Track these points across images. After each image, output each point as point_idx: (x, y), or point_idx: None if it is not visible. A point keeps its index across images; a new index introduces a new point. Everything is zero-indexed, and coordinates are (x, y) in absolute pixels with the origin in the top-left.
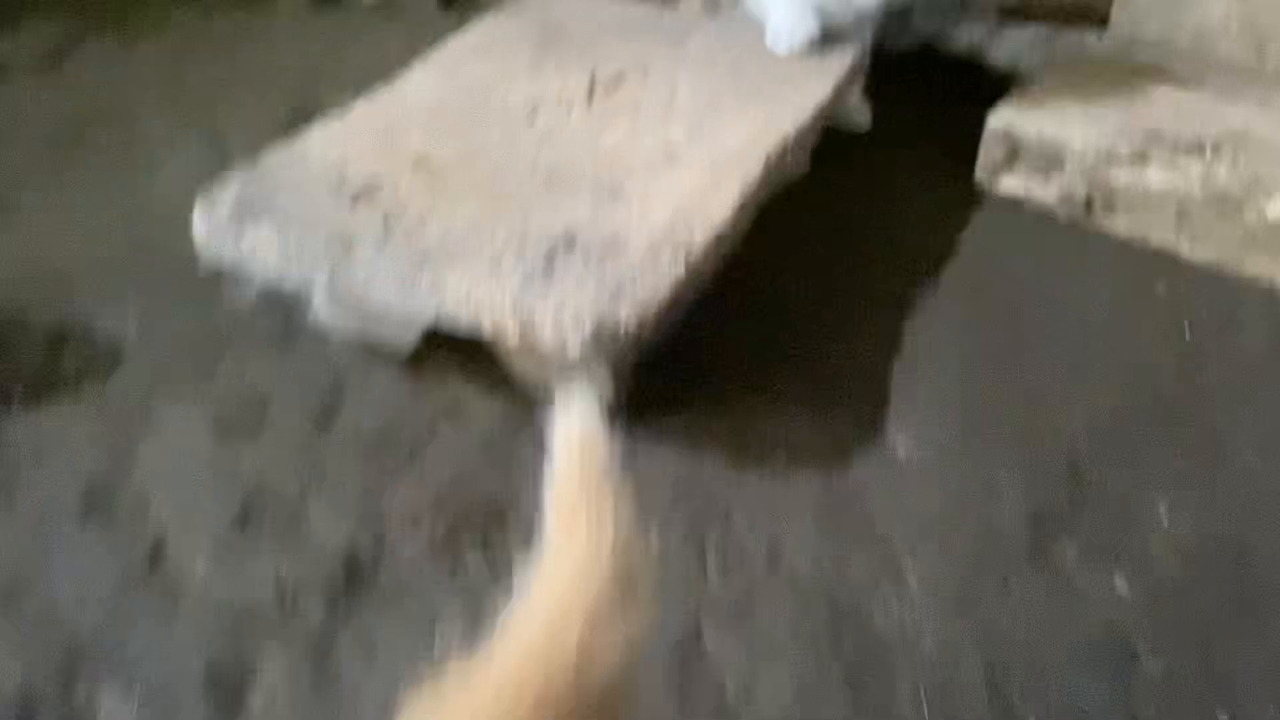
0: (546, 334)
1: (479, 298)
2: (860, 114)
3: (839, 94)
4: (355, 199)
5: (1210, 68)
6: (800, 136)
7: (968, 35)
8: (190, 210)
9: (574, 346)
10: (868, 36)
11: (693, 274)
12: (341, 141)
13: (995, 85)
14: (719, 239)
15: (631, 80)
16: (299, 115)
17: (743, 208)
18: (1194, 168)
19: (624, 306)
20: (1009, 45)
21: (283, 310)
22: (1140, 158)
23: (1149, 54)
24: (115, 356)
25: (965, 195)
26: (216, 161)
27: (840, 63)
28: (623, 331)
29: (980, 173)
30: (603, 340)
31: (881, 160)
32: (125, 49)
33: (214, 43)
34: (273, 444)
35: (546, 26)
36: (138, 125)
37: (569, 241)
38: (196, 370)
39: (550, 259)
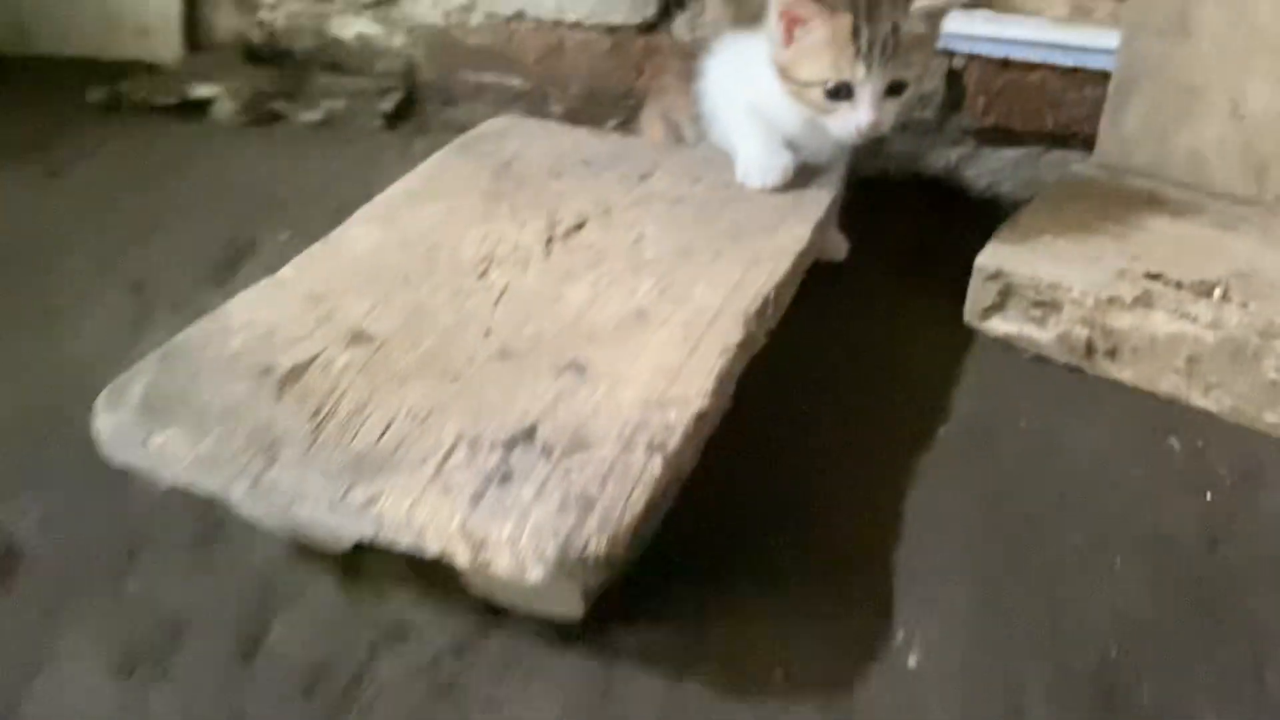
0: (503, 558)
1: (422, 517)
2: (836, 245)
3: (818, 236)
4: (282, 385)
5: (1207, 196)
6: (780, 290)
7: (944, 158)
8: (103, 376)
9: (535, 572)
10: (843, 166)
11: (671, 471)
12: (269, 310)
13: (975, 211)
14: (699, 420)
15: (593, 225)
16: (232, 255)
17: (724, 380)
18: (1202, 312)
19: (592, 521)
20: (987, 168)
21: (202, 505)
22: (1144, 301)
23: (1140, 181)
24: (10, 562)
25: (954, 337)
26: (138, 313)
27: (818, 201)
28: (591, 552)
29: (969, 313)
30: (568, 563)
31: (860, 298)
32: (49, 177)
33: (146, 169)
34: (187, 680)
35: (499, 164)
36: (56, 267)
37: (528, 435)
38: (103, 582)
39: (506, 460)
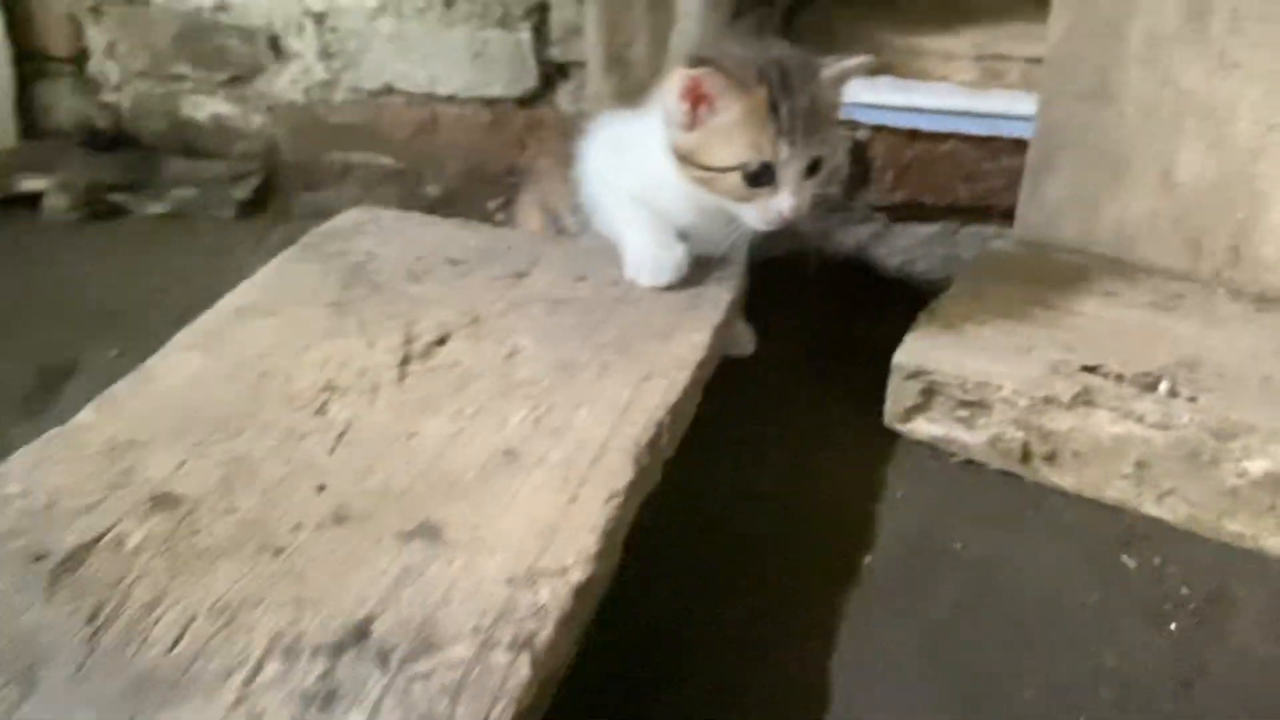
0: None
1: None
2: (742, 339)
3: (720, 339)
4: (55, 577)
5: (1140, 273)
6: (678, 411)
7: (853, 236)
8: None
9: None
10: (744, 255)
11: (544, 670)
12: (56, 470)
13: (889, 293)
14: (580, 594)
15: (458, 339)
16: (48, 379)
17: (611, 535)
18: (1149, 409)
19: None
20: (900, 246)
21: None
22: (1083, 399)
23: (1067, 257)
24: None
25: (875, 442)
26: None
27: (718, 299)
28: None
29: (890, 415)
30: None
31: (770, 400)
32: None
33: None
34: None
35: (349, 267)
36: None
37: (360, 633)
38: None
39: (331, 672)
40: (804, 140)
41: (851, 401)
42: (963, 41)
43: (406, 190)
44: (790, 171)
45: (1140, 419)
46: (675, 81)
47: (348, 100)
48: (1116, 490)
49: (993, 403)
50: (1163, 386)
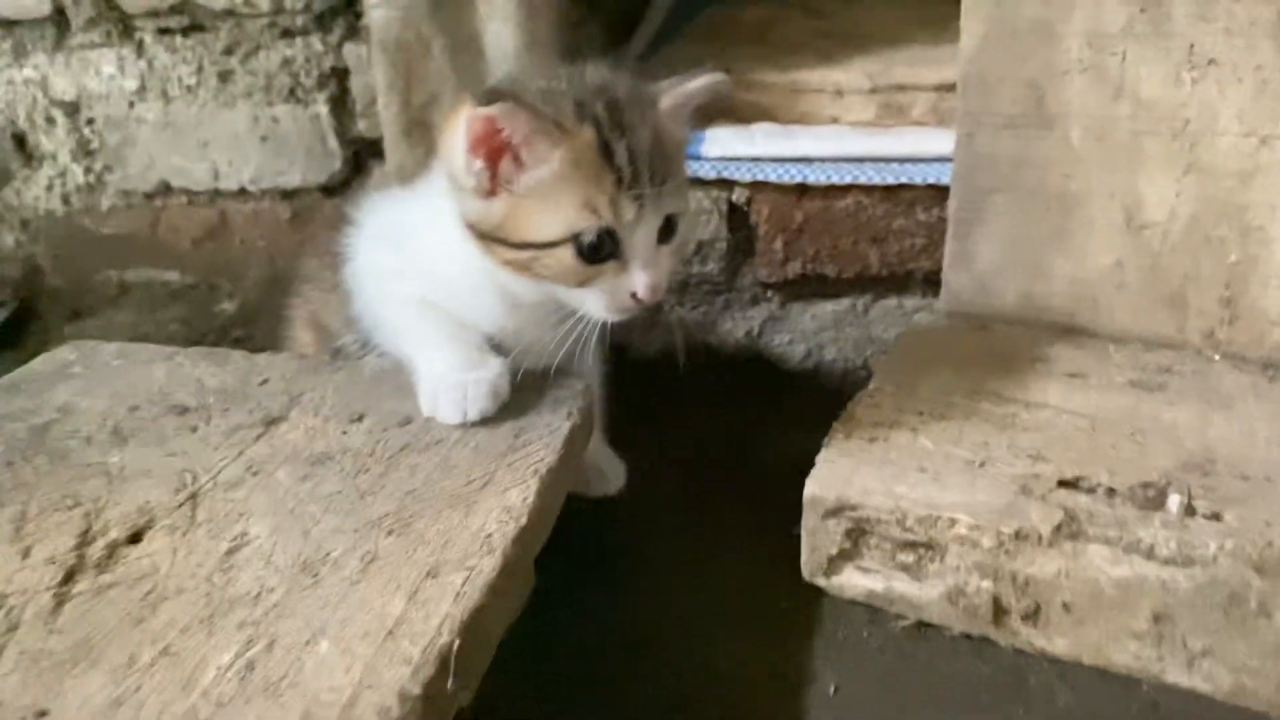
0: None
1: None
2: (604, 473)
3: (555, 492)
4: None
5: (1109, 344)
6: (479, 627)
7: (741, 324)
8: None
9: None
10: (592, 361)
11: None
12: None
13: (793, 392)
14: None
15: (159, 532)
16: None
17: None
18: (1159, 538)
19: None
20: (801, 331)
21: None
22: (1068, 530)
23: (1010, 330)
24: None
25: (791, 607)
26: None
27: (552, 433)
28: None
29: (808, 566)
30: None
31: (645, 556)
32: None
33: None
34: None
35: (31, 430)
36: None
37: None
38: None
39: None
40: (653, 193)
41: (757, 550)
42: (853, 73)
43: (197, 308)
44: (642, 237)
45: (1150, 552)
46: (461, 129)
47: (117, 206)
48: (1129, 655)
49: (945, 543)
50: (1172, 502)
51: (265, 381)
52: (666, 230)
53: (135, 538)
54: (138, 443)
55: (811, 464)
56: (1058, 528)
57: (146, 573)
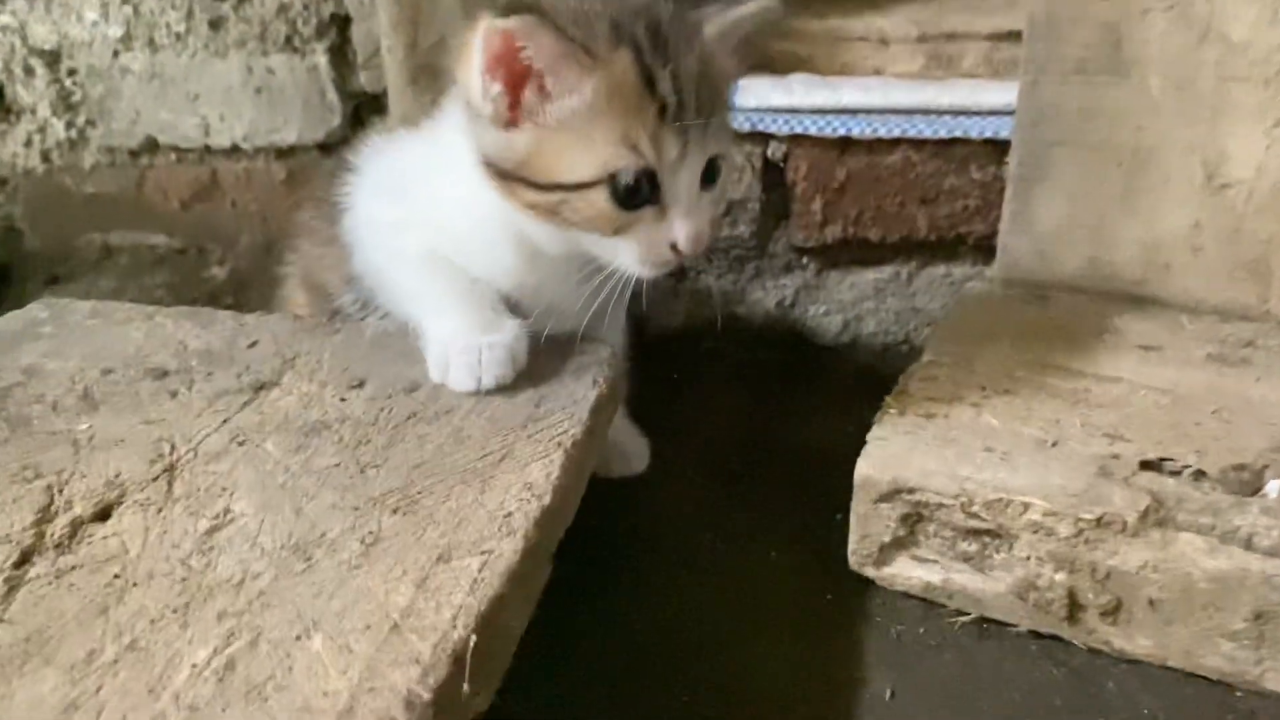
0: None
1: None
2: (628, 451)
3: (580, 469)
4: None
5: (1182, 314)
6: (495, 622)
7: (773, 292)
8: None
9: None
10: (620, 325)
11: None
12: None
13: (829, 368)
14: None
15: (130, 507)
16: None
17: None
18: (1258, 525)
19: None
20: (838, 301)
21: None
22: (1155, 516)
23: (1073, 299)
24: None
25: (836, 600)
26: None
27: (575, 403)
28: None
29: (855, 555)
30: None
31: (672, 544)
32: None
33: None
34: None
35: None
36: None
37: None
38: None
39: None
40: (700, 128)
41: (794, 538)
42: (899, 20)
43: (185, 275)
44: (684, 180)
45: (1249, 542)
46: (476, 46)
47: (101, 163)
48: (1222, 657)
49: (1016, 530)
50: (1271, 486)
51: (254, 344)
52: (709, 174)
53: (103, 514)
54: (110, 409)
55: (848, 445)
56: (1144, 514)
57: (114, 554)
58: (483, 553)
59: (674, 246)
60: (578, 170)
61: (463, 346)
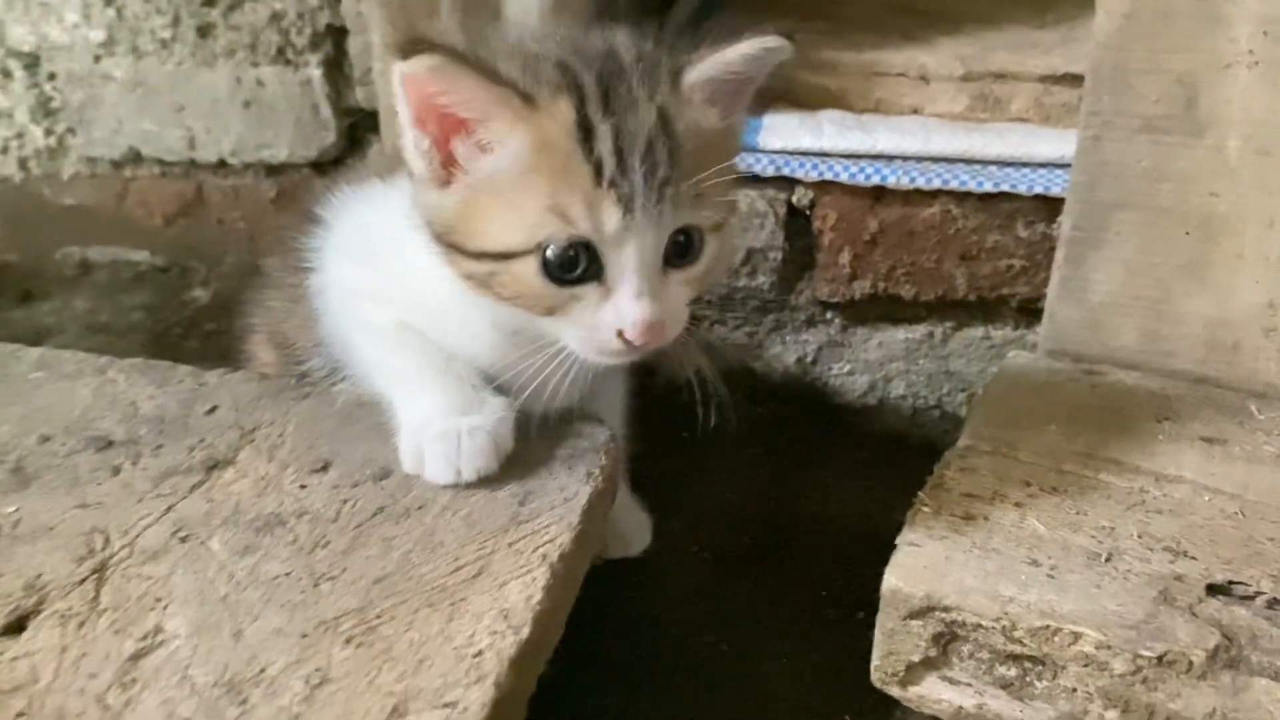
0: None
1: None
2: (628, 530)
3: (566, 586)
4: None
5: (1251, 400)
6: None
7: (794, 349)
8: None
9: None
10: (617, 399)
11: None
12: None
13: (851, 436)
14: None
15: (48, 620)
16: None
17: None
18: None
19: None
20: (864, 360)
21: None
22: (1224, 658)
23: (1128, 381)
24: None
25: (859, 713)
26: None
27: (567, 499)
28: None
29: (880, 671)
30: None
31: (674, 637)
32: None
33: None
34: None
35: None
36: None
37: None
38: None
39: None
40: (656, 195)
41: (811, 638)
42: (943, 56)
43: (165, 295)
44: (632, 255)
45: None
46: (400, 94)
47: (80, 174)
48: None
49: (1063, 660)
50: None
51: (213, 410)
52: (682, 248)
53: (17, 626)
54: (42, 487)
55: (872, 523)
56: (1213, 653)
57: (21, 683)
58: (445, 705)
59: (622, 334)
60: (504, 237)
61: (438, 432)
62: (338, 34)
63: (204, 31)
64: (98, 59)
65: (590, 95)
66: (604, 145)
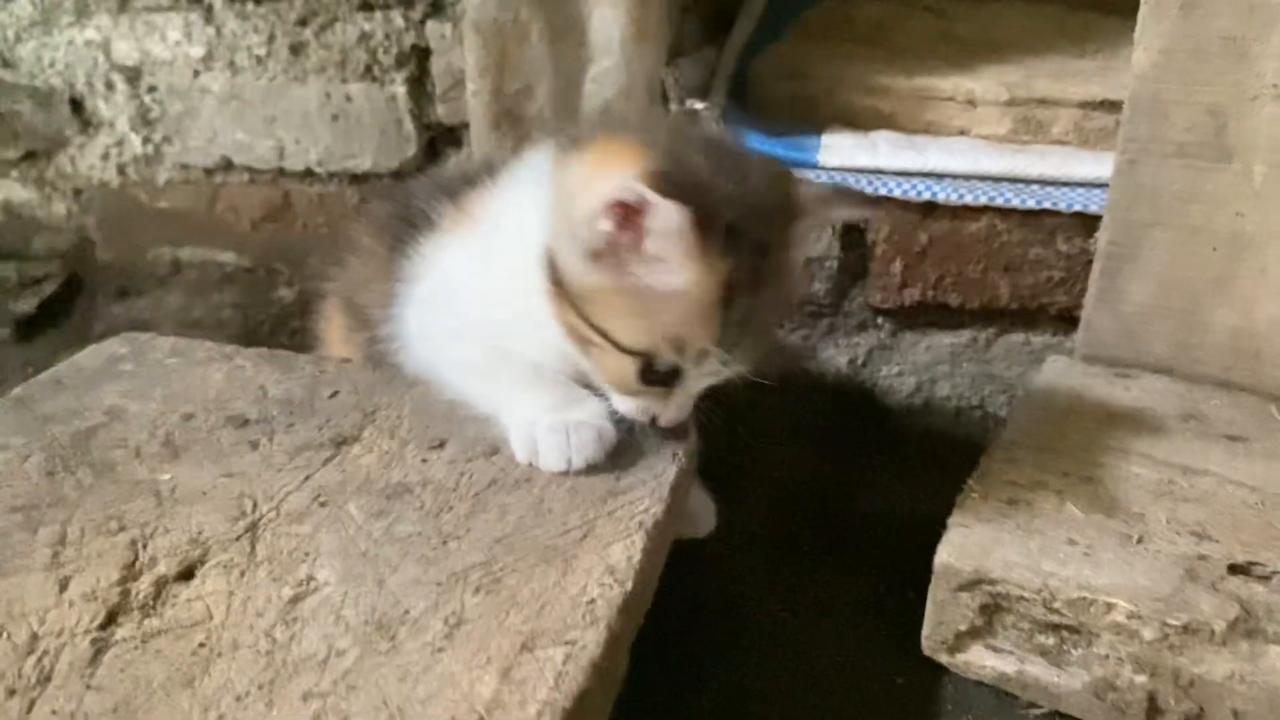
0: None
1: None
2: (696, 513)
3: (661, 548)
4: None
5: (1270, 405)
6: (584, 710)
7: (846, 351)
8: None
9: None
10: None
11: None
12: None
13: (900, 432)
14: None
15: (214, 569)
16: None
17: None
18: None
19: None
20: (913, 364)
21: None
22: (1243, 628)
23: (1159, 385)
24: None
25: (908, 684)
26: None
27: (657, 478)
28: None
29: (930, 639)
30: None
31: (736, 613)
32: None
33: None
34: None
35: (76, 433)
36: None
37: None
38: None
39: None
40: (741, 351)
41: (866, 613)
42: (988, 82)
43: (253, 294)
44: (697, 384)
45: None
46: (609, 191)
47: (175, 180)
48: None
49: (1098, 629)
50: None
51: (335, 394)
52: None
53: (187, 574)
54: (192, 458)
55: (920, 514)
56: (1233, 623)
57: (199, 619)
58: (566, 643)
59: (656, 421)
60: (624, 333)
61: (549, 426)
62: (421, 54)
63: (297, 50)
64: (196, 74)
65: (744, 263)
66: (737, 310)
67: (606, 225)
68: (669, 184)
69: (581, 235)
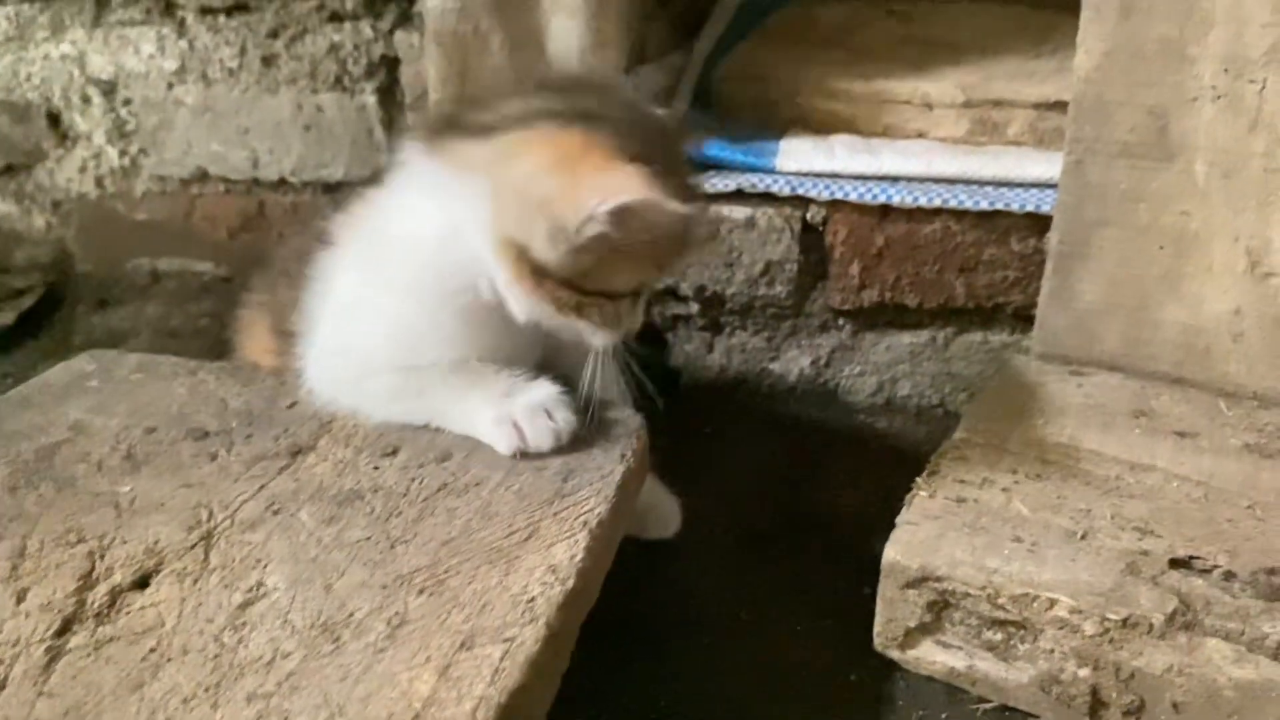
0: None
1: None
2: (660, 513)
3: (607, 545)
4: None
5: (1220, 399)
6: (517, 710)
7: (807, 353)
8: None
9: None
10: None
11: None
12: None
13: (861, 431)
14: None
15: (168, 577)
16: None
17: None
18: None
19: None
20: (873, 364)
21: None
22: (1182, 620)
23: (1110, 382)
24: None
25: (859, 679)
26: None
27: (603, 473)
28: None
29: (881, 636)
30: None
31: (696, 608)
32: None
33: None
34: None
35: (40, 450)
36: None
37: None
38: None
39: None
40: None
41: (822, 610)
42: (945, 85)
43: (230, 303)
44: (658, 285)
45: (1276, 652)
46: (610, 199)
47: (152, 191)
48: None
49: (1041, 624)
50: None
51: (293, 404)
52: None
53: (142, 582)
54: (152, 470)
55: (880, 512)
56: (1171, 617)
57: (150, 626)
58: (505, 640)
59: (630, 330)
60: (622, 283)
61: (524, 411)
62: (391, 63)
63: (268, 61)
64: (170, 86)
65: (698, 208)
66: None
67: (605, 227)
68: (667, 185)
69: (572, 239)
